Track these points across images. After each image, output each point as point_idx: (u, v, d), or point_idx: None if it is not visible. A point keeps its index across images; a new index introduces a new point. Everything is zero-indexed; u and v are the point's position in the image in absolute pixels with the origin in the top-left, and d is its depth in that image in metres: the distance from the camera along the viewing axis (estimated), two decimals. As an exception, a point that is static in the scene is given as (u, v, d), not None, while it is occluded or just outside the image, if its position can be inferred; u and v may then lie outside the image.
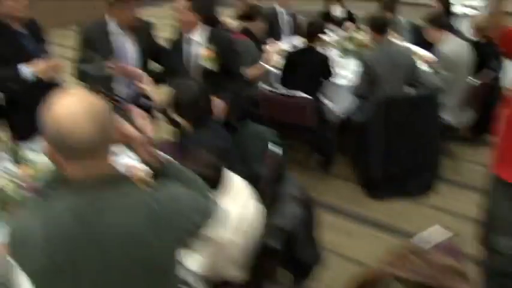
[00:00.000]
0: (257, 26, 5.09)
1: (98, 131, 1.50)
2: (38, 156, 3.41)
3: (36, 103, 3.70)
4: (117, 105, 3.23)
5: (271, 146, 3.39)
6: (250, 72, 4.60)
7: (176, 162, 1.95)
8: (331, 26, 6.01)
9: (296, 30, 6.56)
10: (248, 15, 5.07)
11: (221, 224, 2.48)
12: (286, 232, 2.57)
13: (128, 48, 3.95)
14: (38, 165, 3.19)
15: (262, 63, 4.90)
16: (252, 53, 4.78)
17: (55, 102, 1.53)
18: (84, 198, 1.55)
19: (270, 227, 2.59)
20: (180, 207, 1.69)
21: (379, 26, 4.56)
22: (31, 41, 3.71)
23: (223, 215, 2.49)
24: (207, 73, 3.85)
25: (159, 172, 1.87)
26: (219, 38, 3.91)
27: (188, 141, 3.15)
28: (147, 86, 3.70)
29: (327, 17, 6.54)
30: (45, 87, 3.56)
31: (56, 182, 1.67)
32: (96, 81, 3.44)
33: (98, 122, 1.50)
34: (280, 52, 5.60)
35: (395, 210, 4.52)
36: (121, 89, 3.97)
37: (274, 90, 4.68)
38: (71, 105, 1.50)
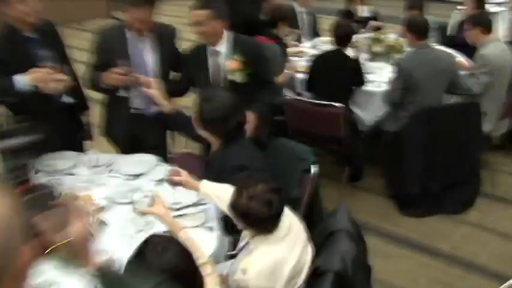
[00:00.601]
0: (282, 29, 4.69)
1: None
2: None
3: (39, 118, 3.33)
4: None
5: (312, 167, 3.04)
6: (277, 80, 4.23)
7: None
8: (354, 25, 5.63)
9: (316, 31, 6.21)
10: (273, 17, 4.67)
11: (273, 279, 2.14)
12: (339, 275, 2.22)
13: (146, 56, 3.55)
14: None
15: (287, 69, 4.53)
16: (279, 59, 4.41)
17: None
18: None
19: (320, 269, 2.24)
20: None
21: (420, 29, 4.18)
22: (41, 46, 3.32)
23: (277, 268, 2.16)
24: (234, 85, 3.44)
25: None
26: (245, 45, 3.50)
27: (218, 161, 2.80)
28: (156, 92, 3.30)
29: (349, 16, 6.17)
30: (46, 99, 3.20)
31: None
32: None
33: None
34: (303, 55, 5.27)
35: (432, 229, 4.17)
36: (137, 101, 3.61)
37: (302, 98, 4.31)
38: None
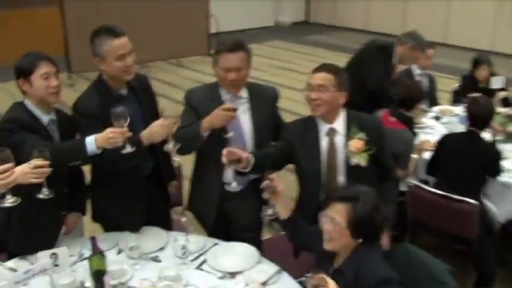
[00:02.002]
0: (417, 111, 4.01)
1: None
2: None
3: (120, 185, 2.85)
4: None
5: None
6: (407, 171, 3.63)
7: None
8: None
9: (435, 96, 5.54)
10: (410, 97, 3.94)
11: None
12: None
13: (242, 121, 3.09)
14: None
15: (415, 153, 3.88)
16: (411, 149, 3.78)
17: None
18: None
19: None
20: None
21: None
22: (133, 104, 2.96)
23: None
24: (356, 171, 2.89)
25: None
26: (363, 122, 2.94)
27: (353, 269, 2.27)
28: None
29: (474, 83, 5.48)
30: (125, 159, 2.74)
31: None
32: None
33: None
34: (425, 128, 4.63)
35: None
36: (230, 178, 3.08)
37: (427, 187, 3.65)
38: None
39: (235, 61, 2.94)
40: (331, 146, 2.93)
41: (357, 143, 2.87)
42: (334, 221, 2.26)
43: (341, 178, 2.93)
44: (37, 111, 2.79)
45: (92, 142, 2.62)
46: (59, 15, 9.00)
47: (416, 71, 5.36)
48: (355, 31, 13.85)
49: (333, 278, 2.19)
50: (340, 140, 2.92)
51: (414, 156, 3.88)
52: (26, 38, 10.89)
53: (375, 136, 2.92)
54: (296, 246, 3.01)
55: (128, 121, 2.61)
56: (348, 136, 2.89)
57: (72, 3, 8.81)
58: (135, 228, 3.03)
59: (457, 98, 5.58)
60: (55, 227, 2.95)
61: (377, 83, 4.47)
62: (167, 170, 3.29)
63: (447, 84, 6.09)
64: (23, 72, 2.73)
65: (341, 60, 10.26)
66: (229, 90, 3.04)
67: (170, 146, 2.78)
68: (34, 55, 2.78)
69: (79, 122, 2.90)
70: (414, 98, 3.90)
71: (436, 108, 5.18)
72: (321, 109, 2.88)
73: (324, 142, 2.95)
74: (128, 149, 2.67)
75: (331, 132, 2.93)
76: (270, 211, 2.68)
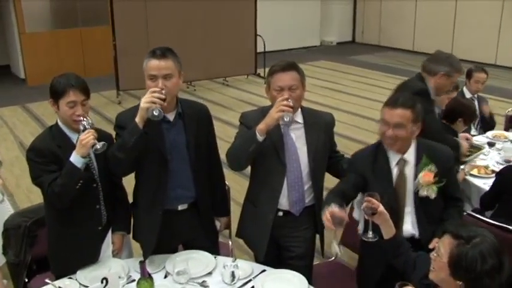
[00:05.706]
0: (459, 128, 3.94)
1: None
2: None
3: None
4: None
5: None
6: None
7: None
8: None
9: (485, 120, 5.39)
10: (453, 112, 3.93)
11: None
12: None
13: (300, 148, 3.03)
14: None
15: (459, 176, 3.77)
16: (452, 166, 3.68)
17: None
18: None
19: None
20: None
21: None
22: (177, 130, 2.94)
23: None
24: (425, 203, 2.83)
25: None
26: (434, 152, 2.86)
27: None
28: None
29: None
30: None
31: None
32: None
33: None
34: (476, 152, 4.48)
35: None
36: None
37: (484, 218, 3.52)
38: None
39: (288, 80, 2.89)
40: (401, 176, 2.86)
41: (427, 176, 2.79)
42: (439, 252, 2.15)
43: (409, 208, 2.86)
44: (67, 131, 2.87)
45: (75, 155, 2.72)
46: (111, 34, 9.17)
47: (467, 94, 5.25)
48: (401, 51, 13.73)
49: None
50: (410, 170, 2.85)
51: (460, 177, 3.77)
52: (79, 56, 11.27)
53: (445, 168, 2.85)
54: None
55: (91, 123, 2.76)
56: (419, 167, 2.82)
57: (122, 23, 8.96)
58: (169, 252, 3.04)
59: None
60: (92, 245, 2.97)
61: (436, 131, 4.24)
62: (220, 204, 3.30)
63: (499, 107, 5.92)
64: (53, 95, 2.81)
65: (388, 80, 10.26)
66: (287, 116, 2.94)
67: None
68: (67, 80, 2.80)
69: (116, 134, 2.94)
70: (456, 111, 3.83)
71: (489, 133, 5.02)
72: (397, 145, 2.82)
73: (395, 173, 2.87)
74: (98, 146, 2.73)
75: (402, 163, 2.86)
76: (370, 234, 2.61)
